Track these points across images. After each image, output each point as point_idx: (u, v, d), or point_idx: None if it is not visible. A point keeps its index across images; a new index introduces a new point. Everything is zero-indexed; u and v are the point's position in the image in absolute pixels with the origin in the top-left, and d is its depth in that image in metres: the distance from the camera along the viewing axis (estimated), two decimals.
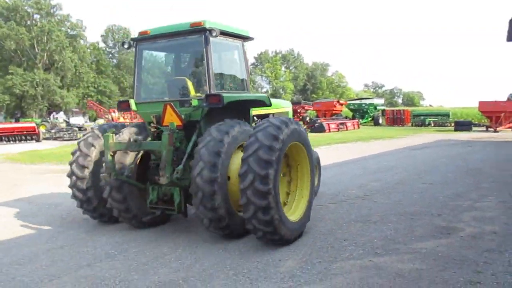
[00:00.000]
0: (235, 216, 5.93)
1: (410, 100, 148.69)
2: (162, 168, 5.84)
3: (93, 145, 6.93)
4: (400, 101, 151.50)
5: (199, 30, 6.48)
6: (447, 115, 51.28)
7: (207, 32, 6.38)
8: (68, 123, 36.67)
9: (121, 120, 31.32)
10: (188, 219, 7.26)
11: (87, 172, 6.81)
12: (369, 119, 51.70)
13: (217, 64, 6.79)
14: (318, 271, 4.86)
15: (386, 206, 8.07)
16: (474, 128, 39.73)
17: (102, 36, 78.32)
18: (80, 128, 33.31)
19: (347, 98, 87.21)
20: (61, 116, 41.23)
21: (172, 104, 6.32)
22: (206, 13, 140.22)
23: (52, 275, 4.96)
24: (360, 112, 52.26)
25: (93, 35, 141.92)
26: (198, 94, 6.69)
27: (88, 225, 7.13)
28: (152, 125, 6.63)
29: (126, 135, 6.55)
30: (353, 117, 50.20)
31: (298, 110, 60.28)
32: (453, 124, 48.44)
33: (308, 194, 6.48)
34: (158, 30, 6.90)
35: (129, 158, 6.46)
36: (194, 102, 6.41)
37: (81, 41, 68.86)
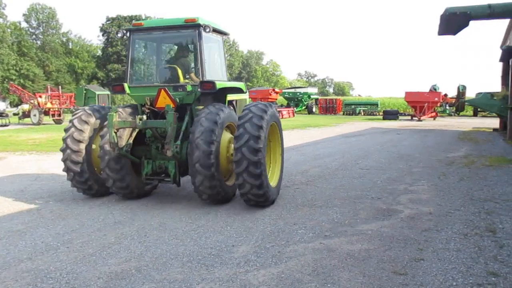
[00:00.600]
0: (222, 182, 7.02)
1: (340, 89, 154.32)
2: (167, 143, 6.74)
3: (86, 122, 7.68)
4: (331, 90, 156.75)
5: (193, 26, 7.40)
6: (375, 104, 53.88)
7: (201, 27, 7.30)
8: None
9: (49, 105, 29.41)
10: (135, 208, 7.03)
11: (82, 146, 7.57)
12: (303, 107, 52.97)
13: (206, 55, 7.56)
14: (272, 254, 4.92)
15: (329, 191, 8.34)
16: (400, 117, 42.11)
17: (24, 15, 72.67)
18: (1, 114, 30.75)
19: (281, 86, 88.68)
20: None
21: (166, 89, 7.11)
22: None
23: None
24: (294, 101, 53.31)
25: (14, 14, 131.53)
26: (186, 81, 7.66)
27: (24, 217, 6.64)
28: (146, 106, 7.37)
29: (127, 114, 7.37)
30: (288, 105, 51.16)
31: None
32: (381, 113, 51.19)
33: (280, 163, 7.92)
34: (153, 23, 8.05)
35: (127, 135, 7.19)
36: (189, 88, 7.30)
37: (0, 20, 63.48)
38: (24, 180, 9.63)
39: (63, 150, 7.72)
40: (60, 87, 35.46)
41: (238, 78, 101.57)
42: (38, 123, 28.43)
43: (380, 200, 7.58)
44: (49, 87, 31.94)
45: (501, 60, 17.98)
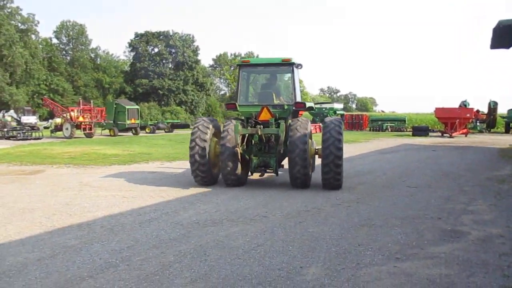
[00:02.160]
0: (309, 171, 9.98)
1: (363, 105, 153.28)
2: (281, 144, 9.85)
3: (208, 128, 10.24)
4: (354, 106, 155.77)
5: (288, 64, 10.69)
6: (403, 120, 52.99)
7: (294, 65, 10.65)
8: (19, 122, 34.45)
9: (81, 119, 29.84)
10: (186, 225, 6.83)
11: (205, 145, 10.02)
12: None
13: (296, 84, 10.82)
14: (346, 278, 4.60)
15: (383, 209, 7.98)
16: (430, 134, 41.19)
17: (55, 32, 74.72)
18: (33, 128, 31.38)
19: (306, 102, 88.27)
20: (11, 115, 38.73)
21: (269, 107, 10.12)
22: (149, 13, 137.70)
23: None
24: (320, 116, 52.79)
25: (46, 30, 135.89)
26: (278, 101, 10.93)
27: (75, 232, 6.50)
28: (253, 119, 10.19)
29: (242, 125, 10.13)
30: (313, 121, 50.82)
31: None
32: (409, 129, 50.28)
33: None
34: (257, 61, 11.71)
35: (240, 139, 9.86)
36: (286, 106, 10.56)
37: (33, 36, 65.46)
38: (68, 193, 9.57)
39: (192, 147, 10.06)
40: (92, 101, 36.04)
41: None
42: (70, 137, 28.88)
43: (441, 220, 7.18)
44: (81, 101, 32.47)
45: None
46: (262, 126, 9.96)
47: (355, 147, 23.77)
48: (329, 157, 9.45)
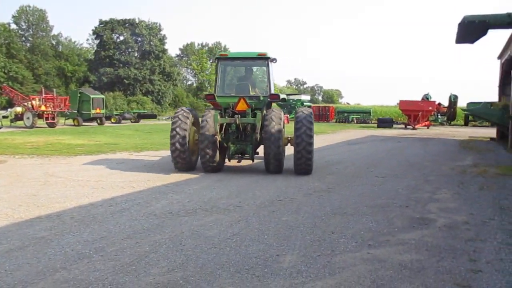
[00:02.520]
0: (283, 156, 10.99)
1: (329, 97, 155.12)
2: (257, 132, 10.75)
3: (188, 117, 10.99)
4: (320, 98, 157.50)
5: (264, 58, 11.60)
6: (368, 112, 54.22)
7: (269, 59, 11.59)
8: None
9: (43, 108, 28.81)
10: (160, 215, 6.76)
11: (185, 133, 10.78)
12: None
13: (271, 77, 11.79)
14: (322, 265, 4.69)
15: (353, 198, 8.16)
16: (394, 126, 42.28)
17: (14, 17, 71.53)
18: None
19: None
20: None
21: (245, 98, 10.90)
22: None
23: (25, 281, 4.25)
24: (288, 108, 53.25)
25: (3, 15, 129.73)
26: (253, 93, 11.71)
27: (45, 223, 6.30)
28: (230, 110, 10.97)
29: (219, 115, 10.74)
30: None
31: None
32: (374, 121, 51.46)
33: None
34: (234, 54, 12.18)
35: (218, 127, 10.67)
36: (261, 98, 11.37)
37: None
38: (33, 184, 9.25)
39: (173, 136, 10.74)
40: (54, 90, 34.78)
41: None
42: (32, 126, 27.87)
43: (409, 208, 7.42)
44: (43, 89, 31.30)
45: (505, 69, 18.09)
46: (240, 116, 10.78)
47: (323, 138, 24.12)
48: (301, 144, 10.39)
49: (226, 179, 10.17)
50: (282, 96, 12.10)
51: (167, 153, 15.74)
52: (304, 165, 10.62)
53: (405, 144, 21.47)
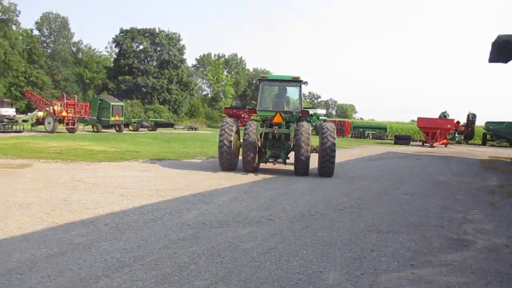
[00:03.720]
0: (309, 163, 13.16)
1: (343, 112, 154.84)
2: (291, 140, 12.85)
3: (232, 130, 13.26)
4: (334, 112, 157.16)
5: (298, 81, 13.99)
6: (384, 128, 53.79)
7: (302, 82, 13.96)
8: None
9: (64, 113, 29.18)
10: (193, 225, 6.72)
11: (231, 142, 13.10)
12: (312, 128, 52.73)
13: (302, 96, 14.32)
14: (368, 284, 4.59)
15: (385, 216, 8.03)
16: (411, 143, 41.85)
17: (36, 23, 73.03)
18: (12, 120, 30.34)
19: None
20: None
21: (281, 113, 13.43)
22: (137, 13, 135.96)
23: None
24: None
25: (27, 21, 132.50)
26: (287, 109, 14.16)
27: (79, 229, 6.30)
28: (268, 122, 13.49)
29: (259, 125, 13.18)
30: None
31: (243, 115, 60.50)
32: (390, 137, 51.06)
33: None
34: (273, 77, 15.47)
35: (258, 135, 12.95)
36: (294, 113, 13.72)
37: (13, 27, 63.73)
38: (62, 189, 9.30)
39: (221, 146, 13.14)
40: (76, 96, 35.24)
41: (243, 96, 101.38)
42: (52, 131, 28.19)
43: (444, 228, 7.27)
44: (64, 95, 31.73)
45: None
46: (277, 127, 13.24)
47: (342, 153, 23.93)
48: (326, 157, 12.82)
49: (253, 191, 10.13)
50: (311, 112, 15.37)
51: (189, 162, 15.82)
52: (327, 168, 12.94)
53: (425, 162, 21.21)
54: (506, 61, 10.19)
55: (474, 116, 48.36)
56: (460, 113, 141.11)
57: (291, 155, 13.61)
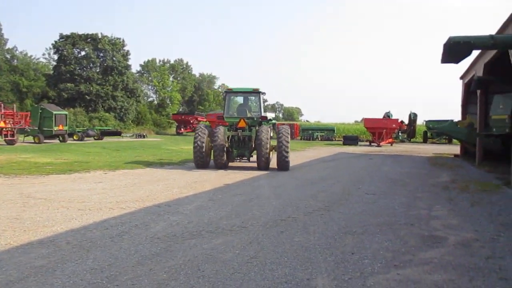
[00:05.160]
0: (269, 159, 16.02)
1: (290, 115, 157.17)
2: (252, 141, 16.00)
3: (204, 133, 15.81)
4: (281, 115, 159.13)
5: (257, 92, 16.91)
6: (332, 130, 55.21)
7: (261, 93, 16.89)
8: None
9: (2, 124, 27.23)
10: (163, 238, 6.35)
11: (203, 143, 15.60)
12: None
13: (262, 104, 17.31)
14: None
15: (355, 217, 8.05)
16: (359, 143, 43.15)
17: None
18: None
19: None
20: None
21: (244, 118, 16.13)
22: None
23: None
24: None
25: None
26: (249, 115, 17.00)
27: (38, 249, 5.72)
28: (234, 126, 16.26)
29: (227, 129, 16.30)
30: None
31: (191, 121, 59.74)
32: (338, 138, 52.42)
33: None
34: (237, 89, 17.57)
35: (226, 138, 15.73)
36: (255, 118, 16.56)
37: None
38: (11, 206, 8.52)
39: (195, 146, 15.73)
40: (14, 105, 32.98)
41: (190, 102, 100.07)
42: None
43: (414, 226, 7.38)
44: (1, 105, 29.62)
45: (472, 89, 18.90)
46: (241, 130, 16.09)
47: (297, 155, 24.13)
48: (282, 157, 15.56)
49: (218, 198, 9.84)
50: (269, 116, 17.18)
51: (145, 171, 15.24)
52: (283, 164, 15.57)
53: (377, 161, 21.85)
54: (457, 62, 10.67)
55: (415, 115, 50.77)
56: (400, 113, 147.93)
57: (255, 153, 16.42)
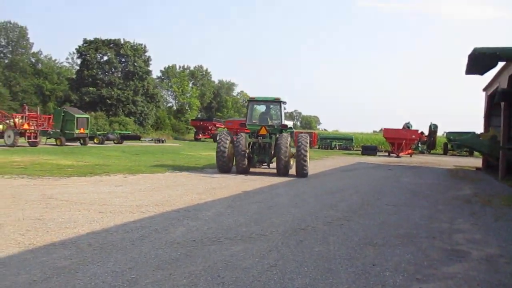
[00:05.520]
0: (289, 165, 16.90)
1: (307, 123, 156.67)
2: (272, 148, 16.68)
3: (227, 139, 16.61)
4: (299, 123, 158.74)
5: (279, 101, 17.67)
6: (351, 139, 54.71)
7: (282, 102, 17.70)
8: None
9: (26, 126, 27.85)
10: (183, 243, 6.37)
11: (226, 149, 16.34)
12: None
13: (283, 113, 17.93)
14: None
15: (375, 228, 7.95)
16: (377, 153, 42.69)
17: None
18: None
19: None
20: None
21: (266, 126, 16.94)
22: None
23: None
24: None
25: None
26: (271, 123, 17.70)
27: (61, 251, 5.80)
28: (255, 133, 16.98)
29: (248, 136, 16.98)
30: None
31: (209, 127, 60.06)
32: (356, 148, 51.96)
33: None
34: (259, 98, 18.13)
35: (247, 145, 16.44)
36: (276, 126, 17.28)
37: None
38: (34, 207, 8.68)
39: (218, 151, 16.56)
40: (38, 108, 33.71)
41: (208, 108, 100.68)
42: (13, 145, 26.78)
43: (436, 239, 7.25)
44: (26, 107, 30.29)
45: (496, 101, 18.55)
46: (261, 137, 16.85)
47: (316, 164, 24.00)
48: (300, 164, 16.27)
49: (236, 205, 9.85)
50: (289, 125, 18.29)
51: (164, 176, 15.36)
52: (302, 172, 16.24)
53: (397, 172, 21.57)
54: (482, 73, 10.50)
55: (435, 126, 50.05)
56: (420, 123, 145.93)
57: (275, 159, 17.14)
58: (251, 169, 17.56)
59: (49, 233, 6.71)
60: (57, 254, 5.67)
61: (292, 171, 16.81)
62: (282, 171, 16.16)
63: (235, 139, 16.43)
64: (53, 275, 4.90)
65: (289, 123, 61.90)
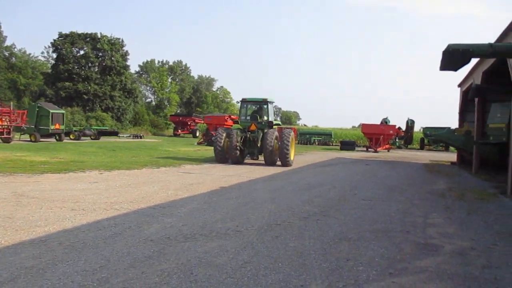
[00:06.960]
0: (275, 157, 19.82)
1: (287, 119, 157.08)
2: (259, 141, 19.71)
3: (223, 134, 19.71)
4: (279, 119, 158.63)
5: (267, 101, 20.66)
6: (330, 134, 55.09)
7: (269, 102, 20.79)
8: None
9: None
10: (157, 241, 6.27)
11: (222, 143, 19.54)
12: None
13: (270, 111, 20.97)
14: None
15: (351, 223, 7.99)
16: (356, 148, 43.10)
17: None
18: None
19: (231, 113, 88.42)
20: None
21: (255, 123, 20.05)
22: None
23: None
24: None
25: None
26: (260, 120, 20.41)
27: (30, 250, 5.64)
28: (246, 129, 20.07)
29: (239, 132, 19.96)
30: None
31: (189, 123, 59.63)
32: (335, 143, 52.37)
33: (294, 151, 21.43)
34: (250, 99, 21.22)
35: (239, 139, 19.49)
36: (263, 123, 20.19)
37: None
38: (4, 205, 8.42)
39: (215, 148, 19.74)
40: (11, 103, 32.82)
41: (188, 103, 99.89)
42: None
43: (410, 233, 7.33)
44: None
45: (470, 98, 18.90)
46: (251, 133, 19.71)
47: (295, 160, 24.00)
48: (283, 156, 19.12)
49: (213, 201, 9.77)
50: (275, 122, 20.99)
51: (141, 172, 15.16)
52: (285, 161, 19.03)
53: (374, 167, 21.81)
54: (456, 69, 10.65)
55: (412, 122, 50.77)
56: (397, 119, 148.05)
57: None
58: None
59: (18, 232, 6.52)
60: (26, 254, 5.51)
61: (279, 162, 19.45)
62: (269, 162, 19.12)
63: (223, 133, 19.65)
64: (20, 275, 4.75)
65: (277, 120, 63.34)
